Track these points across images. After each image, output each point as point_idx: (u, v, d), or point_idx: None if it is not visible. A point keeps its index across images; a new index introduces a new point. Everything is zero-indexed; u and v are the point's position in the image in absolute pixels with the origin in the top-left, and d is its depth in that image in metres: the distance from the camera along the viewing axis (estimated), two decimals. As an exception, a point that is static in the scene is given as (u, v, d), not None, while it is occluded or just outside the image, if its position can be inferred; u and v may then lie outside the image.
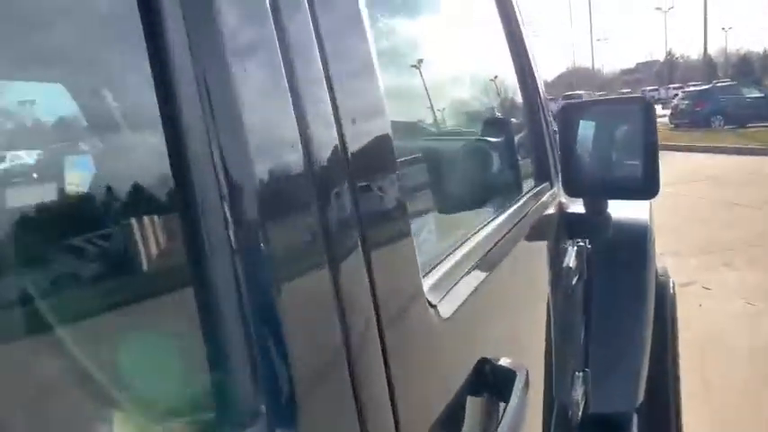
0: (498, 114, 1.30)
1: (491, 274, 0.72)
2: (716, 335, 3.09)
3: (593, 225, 1.25)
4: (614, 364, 1.59)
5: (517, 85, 1.27)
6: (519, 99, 1.30)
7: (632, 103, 1.23)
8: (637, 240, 1.67)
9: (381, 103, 0.45)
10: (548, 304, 1.11)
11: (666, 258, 2.82)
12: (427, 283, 0.54)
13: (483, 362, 0.62)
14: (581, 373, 1.50)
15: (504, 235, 0.83)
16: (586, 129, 1.19)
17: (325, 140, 0.36)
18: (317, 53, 0.36)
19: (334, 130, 0.37)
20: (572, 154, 1.17)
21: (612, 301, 1.63)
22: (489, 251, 0.75)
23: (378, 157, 0.45)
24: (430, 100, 1.03)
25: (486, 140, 1.16)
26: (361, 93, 0.44)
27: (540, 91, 1.31)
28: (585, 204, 1.24)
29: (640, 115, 1.06)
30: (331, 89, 0.37)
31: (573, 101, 1.21)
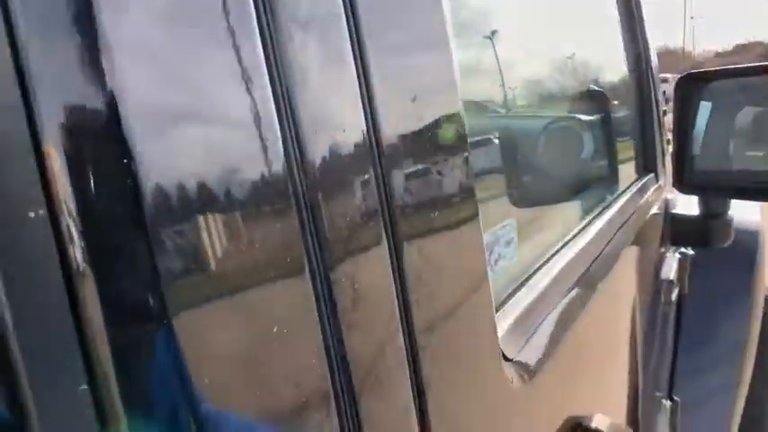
0: (593, 87, 1.06)
1: (585, 308, 0.52)
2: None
3: (708, 230, 0.99)
4: (707, 393, 1.34)
5: (621, 52, 1.02)
6: (621, 69, 1.05)
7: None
8: (745, 249, 1.38)
9: (452, 78, 0.32)
10: (633, 322, 0.90)
11: None
12: (500, 328, 0.36)
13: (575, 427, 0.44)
14: (669, 402, 1.27)
15: (602, 249, 0.62)
16: (712, 107, 0.93)
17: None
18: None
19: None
20: (690, 140, 0.92)
21: (710, 321, 1.36)
22: (584, 274, 0.54)
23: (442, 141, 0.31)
24: (502, 70, 0.82)
25: (577, 119, 0.93)
26: (425, 66, 0.31)
27: (652, 60, 1.05)
28: (701, 204, 0.99)
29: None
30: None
31: (695, 71, 0.94)
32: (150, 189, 0.16)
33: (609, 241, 0.66)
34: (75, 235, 0.15)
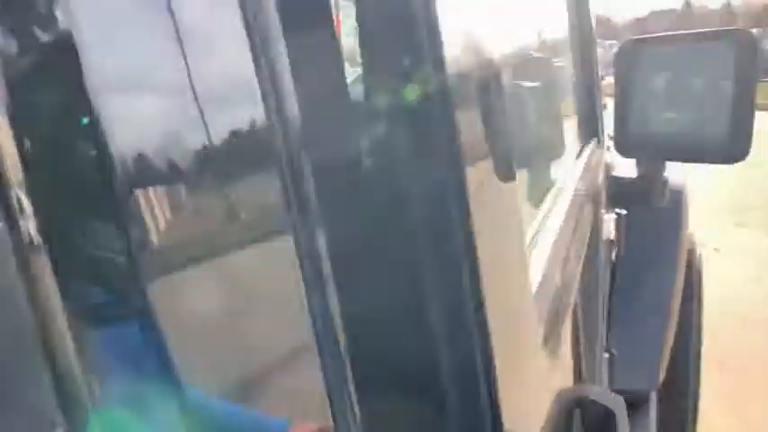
0: (537, 53, 1.05)
1: (568, 279, 0.52)
2: (727, 302, 2.93)
3: (646, 191, 1.04)
4: (639, 343, 1.44)
5: (562, 15, 1.02)
6: (562, 33, 1.05)
7: (724, 38, 0.95)
8: (672, 207, 1.47)
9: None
10: (585, 284, 0.94)
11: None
12: None
13: (577, 395, 0.45)
14: (607, 355, 1.35)
15: (573, 218, 0.62)
16: (652, 73, 0.95)
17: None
18: None
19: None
20: (630, 105, 0.94)
21: (640, 276, 1.45)
22: (559, 245, 0.54)
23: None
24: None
25: (521, 86, 0.92)
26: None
27: (592, 25, 1.06)
28: (639, 166, 1.03)
29: (735, 55, 0.83)
30: None
31: (637, 37, 0.96)
32: (117, 156, 0.14)
33: (578, 209, 0.67)
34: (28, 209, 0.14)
